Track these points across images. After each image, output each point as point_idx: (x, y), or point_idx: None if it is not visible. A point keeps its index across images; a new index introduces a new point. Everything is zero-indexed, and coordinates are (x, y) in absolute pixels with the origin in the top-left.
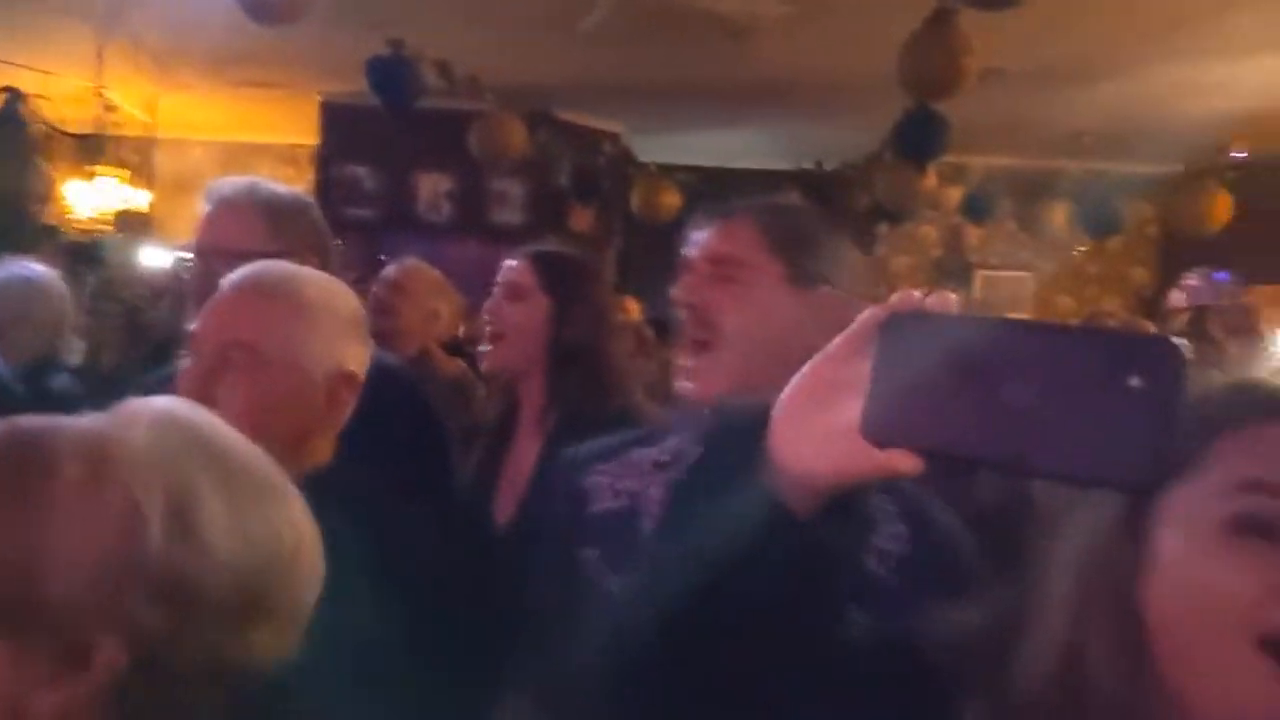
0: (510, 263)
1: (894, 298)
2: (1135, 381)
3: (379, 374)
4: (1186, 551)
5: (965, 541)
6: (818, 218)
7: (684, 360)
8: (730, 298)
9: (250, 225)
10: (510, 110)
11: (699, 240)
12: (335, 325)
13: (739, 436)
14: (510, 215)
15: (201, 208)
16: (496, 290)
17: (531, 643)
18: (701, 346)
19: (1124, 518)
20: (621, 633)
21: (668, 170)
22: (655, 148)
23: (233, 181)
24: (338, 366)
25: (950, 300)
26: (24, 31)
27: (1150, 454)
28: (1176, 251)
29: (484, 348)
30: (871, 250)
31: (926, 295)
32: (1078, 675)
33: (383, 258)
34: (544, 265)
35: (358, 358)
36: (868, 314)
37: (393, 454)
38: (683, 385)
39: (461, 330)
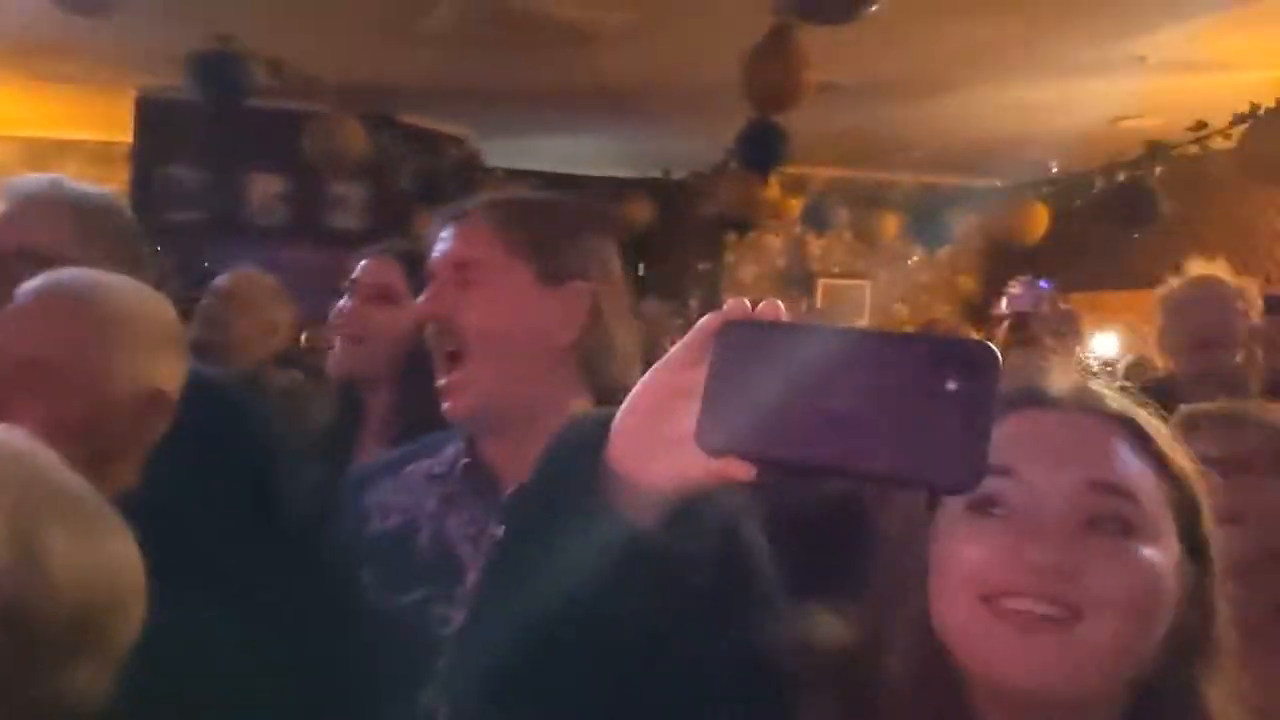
0: (371, 263)
1: (727, 305)
2: (952, 384)
3: (199, 390)
4: (943, 532)
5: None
6: (564, 210)
7: (440, 377)
8: (477, 304)
9: (53, 227)
10: (349, 111)
11: (439, 246)
12: (144, 339)
13: (571, 451)
14: (349, 219)
15: None
16: (358, 291)
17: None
18: (454, 359)
19: (922, 513)
20: (485, 673)
21: (515, 176)
22: (503, 153)
23: (34, 178)
24: (146, 384)
25: (780, 308)
26: None
27: (967, 453)
28: (1001, 261)
29: (336, 348)
30: (720, 259)
31: (759, 303)
32: (888, 664)
33: (207, 265)
34: (417, 268)
35: (170, 374)
36: (703, 322)
37: (214, 475)
38: (444, 405)
39: (303, 340)
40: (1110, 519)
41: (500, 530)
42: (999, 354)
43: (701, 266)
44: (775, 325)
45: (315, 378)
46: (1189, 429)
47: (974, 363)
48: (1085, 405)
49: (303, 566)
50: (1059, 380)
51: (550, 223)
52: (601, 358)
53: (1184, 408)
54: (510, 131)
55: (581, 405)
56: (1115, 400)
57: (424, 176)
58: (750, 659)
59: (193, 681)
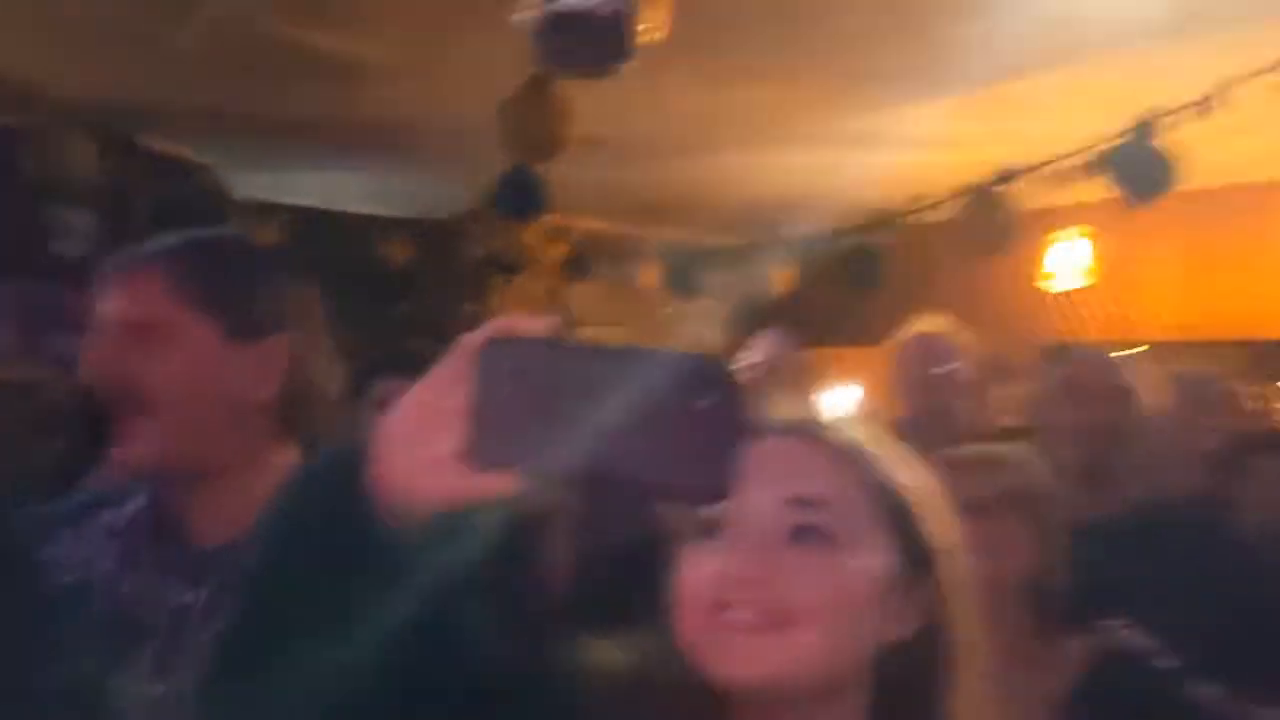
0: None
1: (491, 323)
2: (697, 400)
3: None
4: (684, 555)
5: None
6: (255, 256)
7: (115, 422)
8: (156, 366)
9: None
10: (76, 129)
11: (110, 301)
12: None
13: (324, 480)
14: (76, 248)
15: None
16: None
17: None
18: (132, 412)
19: (674, 540)
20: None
21: (266, 209)
22: (254, 184)
23: None
24: None
25: (543, 324)
26: None
27: (711, 465)
28: (747, 315)
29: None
30: (485, 302)
31: (521, 321)
32: (657, 688)
33: None
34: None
35: None
36: (466, 339)
37: None
38: (114, 453)
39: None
40: (810, 530)
41: (188, 594)
42: (736, 372)
43: (466, 308)
44: (538, 342)
45: (34, 416)
46: (947, 471)
47: (715, 380)
48: (795, 430)
49: None
50: (778, 413)
51: (240, 272)
52: (304, 408)
53: (942, 452)
54: (262, 163)
55: (286, 457)
56: (826, 425)
57: (164, 204)
58: (529, 685)
59: None
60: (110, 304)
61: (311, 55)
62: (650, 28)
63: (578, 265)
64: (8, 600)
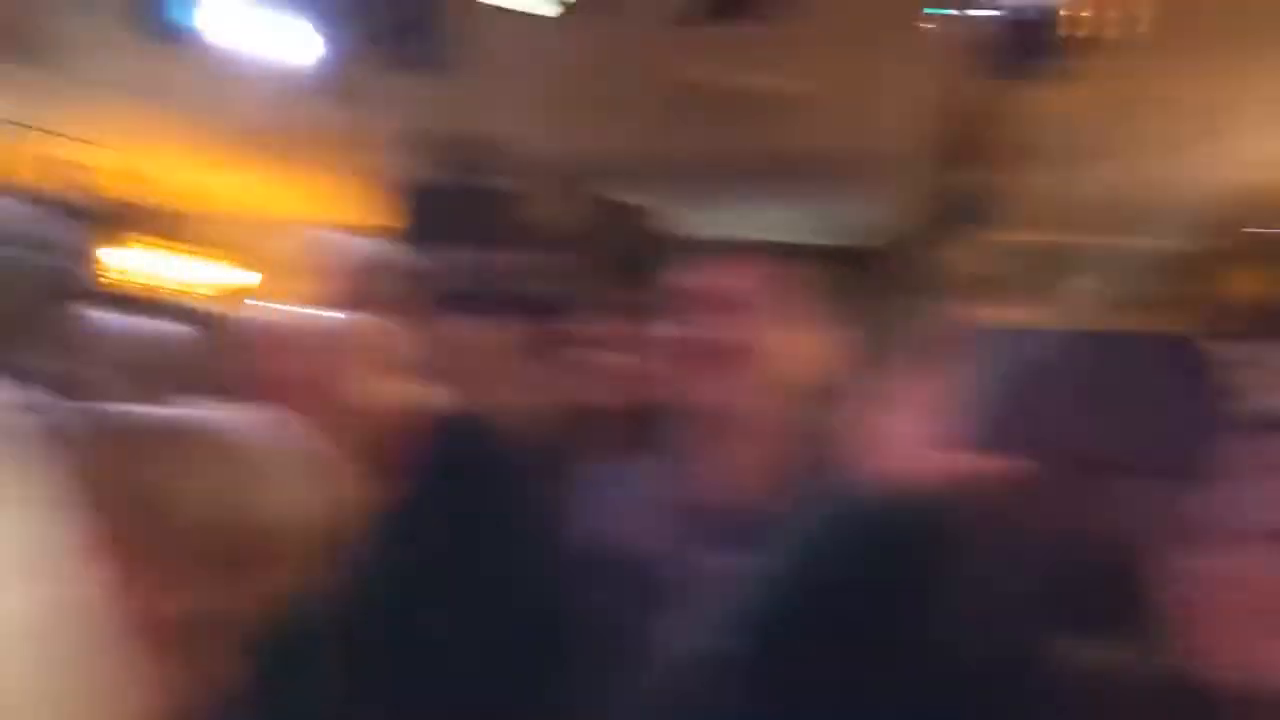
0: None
1: (973, 319)
2: (1178, 381)
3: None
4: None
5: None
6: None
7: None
8: (757, 339)
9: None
10: (555, 187)
11: (726, 278)
12: (373, 368)
13: (818, 459)
14: (552, 289)
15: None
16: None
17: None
18: (728, 360)
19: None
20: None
21: (707, 244)
22: (696, 222)
23: (365, 243)
24: (378, 402)
25: (1020, 317)
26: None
27: (1193, 448)
28: (1213, 325)
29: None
30: (920, 321)
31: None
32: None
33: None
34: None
35: (401, 399)
36: (951, 335)
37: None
38: (710, 399)
39: None
40: None
41: (712, 555)
42: (1207, 352)
43: (899, 329)
44: (1018, 331)
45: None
46: None
47: (1194, 362)
48: None
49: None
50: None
51: (796, 274)
52: (819, 401)
53: None
54: (703, 203)
55: (794, 441)
56: None
57: (621, 247)
58: (1009, 678)
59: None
60: (726, 280)
61: (740, 97)
62: (1105, 27)
63: (998, 280)
64: (554, 566)
